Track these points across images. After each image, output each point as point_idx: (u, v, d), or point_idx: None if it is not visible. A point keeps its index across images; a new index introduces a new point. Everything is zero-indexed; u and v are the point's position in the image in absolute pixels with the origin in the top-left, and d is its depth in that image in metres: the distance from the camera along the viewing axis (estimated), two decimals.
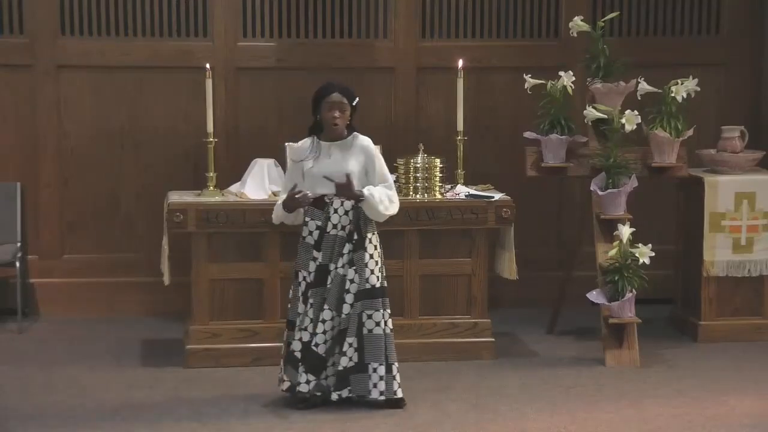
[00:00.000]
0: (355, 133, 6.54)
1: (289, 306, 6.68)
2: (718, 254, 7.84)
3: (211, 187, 7.51)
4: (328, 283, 6.46)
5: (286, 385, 6.54)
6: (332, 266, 6.45)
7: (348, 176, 6.39)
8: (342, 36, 8.47)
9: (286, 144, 7.48)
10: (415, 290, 7.39)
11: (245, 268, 7.32)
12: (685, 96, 7.57)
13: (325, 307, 6.46)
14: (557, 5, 8.59)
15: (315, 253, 6.47)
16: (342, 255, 6.45)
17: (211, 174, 7.52)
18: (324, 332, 6.46)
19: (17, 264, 7.98)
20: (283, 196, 6.56)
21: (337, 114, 6.43)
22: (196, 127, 8.02)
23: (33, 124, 8.32)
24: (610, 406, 6.64)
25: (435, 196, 7.44)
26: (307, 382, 6.46)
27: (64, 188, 8.38)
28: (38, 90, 8.28)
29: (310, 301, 6.48)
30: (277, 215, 6.65)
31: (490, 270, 7.57)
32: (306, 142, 6.55)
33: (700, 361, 7.48)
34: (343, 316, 6.46)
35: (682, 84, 7.58)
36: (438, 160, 7.48)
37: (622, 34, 8.62)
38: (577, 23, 7.75)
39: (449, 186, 7.60)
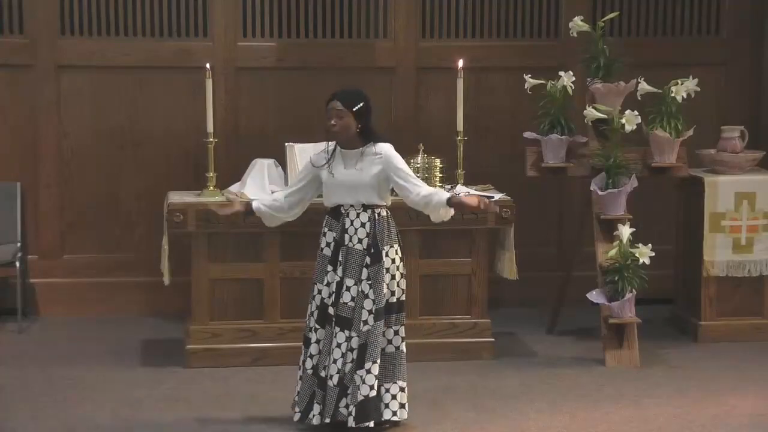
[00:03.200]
0: (372, 142, 6.19)
1: (306, 321, 6.28)
2: (718, 254, 7.84)
3: (211, 187, 7.51)
4: (348, 299, 6.12)
5: (296, 416, 6.21)
6: (350, 281, 6.11)
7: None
8: (342, 36, 8.47)
9: (287, 144, 7.49)
10: (415, 290, 7.38)
11: (245, 268, 7.32)
12: (685, 96, 7.57)
13: (336, 329, 6.11)
14: (557, 5, 8.59)
15: (333, 268, 6.15)
16: (363, 269, 6.13)
17: (211, 174, 7.52)
18: (342, 356, 6.10)
19: (17, 264, 7.98)
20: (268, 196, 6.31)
21: (333, 122, 6.12)
22: (196, 127, 8.02)
23: (33, 124, 8.32)
24: (610, 406, 6.65)
25: None
26: (321, 413, 6.13)
27: (64, 188, 8.38)
28: (38, 90, 8.28)
29: (323, 321, 6.15)
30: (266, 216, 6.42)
31: (490, 270, 7.57)
32: (325, 147, 6.29)
33: (700, 361, 7.48)
34: (360, 335, 6.09)
35: (682, 84, 7.57)
36: (438, 160, 7.48)
37: (622, 34, 8.62)
38: (577, 23, 7.75)
39: (449, 186, 7.59)
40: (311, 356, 6.20)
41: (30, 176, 8.34)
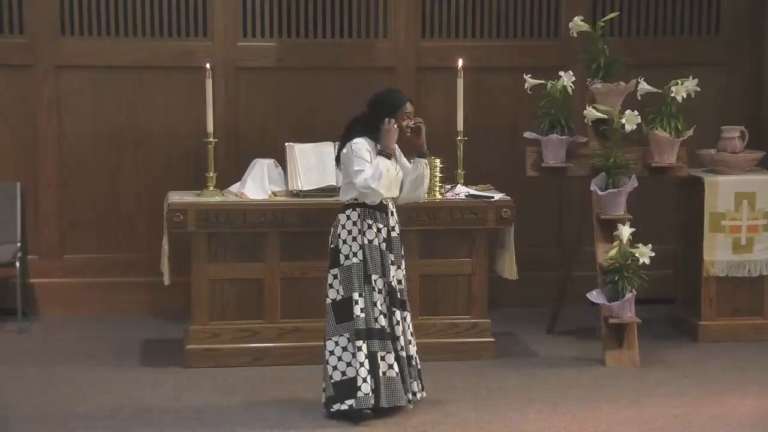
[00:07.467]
0: None
1: (357, 315, 6.31)
2: (718, 254, 7.84)
3: (211, 187, 7.50)
4: (401, 285, 6.49)
5: (407, 405, 6.42)
6: (395, 267, 6.47)
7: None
8: (342, 36, 8.47)
9: (287, 144, 7.49)
10: (415, 290, 7.38)
11: (245, 268, 7.32)
12: (685, 96, 7.57)
13: (402, 311, 6.47)
14: (557, 5, 8.59)
15: (390, 257, 6.44)
16: (401, 254, 6.55)
17: (211, 174, 7.52)
18: (413, 335, 6.53)
19: (17, 264, 7.98)
20: (374, 168, 6.26)
21: (411, 123, 6.48)
22: (196, 127, 8.02)
23: (33, 124, 8.32)
24: (610, 406, 6.64)
25: (435, 196, 7.44)
26: (413, 393, 6.48)
27: (64, 188, 8.38)
28: (38, 90, 8.28)
29: (399, 306, 6.48)
30: (389, 179, 6.36)
31: (490, 270, 7.57)
32: (366, 143, 6.41)
33: (700, 361, 7.48)
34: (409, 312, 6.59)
35: (682, 84, 7.58)
36: (438, 160, 7.48)
37: (622, 34, 8.62)
38: (577, 23, 7.75)
39: (449, 186, 7.60)
40: (401, 348, 6.40)
41: (30, 176, 8.34)
